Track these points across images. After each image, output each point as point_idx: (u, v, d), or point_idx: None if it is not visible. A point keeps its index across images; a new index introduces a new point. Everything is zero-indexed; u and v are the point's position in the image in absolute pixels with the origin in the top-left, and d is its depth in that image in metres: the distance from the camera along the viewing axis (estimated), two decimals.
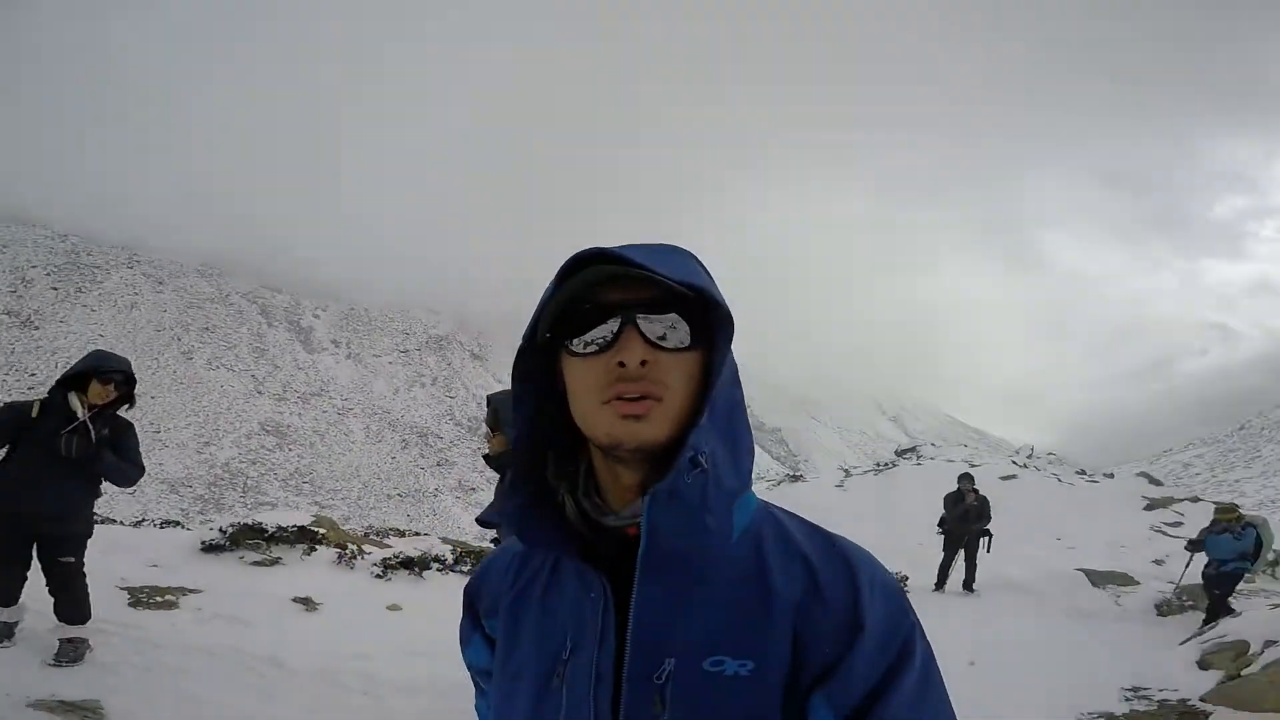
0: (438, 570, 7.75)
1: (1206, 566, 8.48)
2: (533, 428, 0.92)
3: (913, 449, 20.82)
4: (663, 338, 0.81)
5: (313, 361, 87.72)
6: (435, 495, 73.92)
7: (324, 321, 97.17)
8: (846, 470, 20.02)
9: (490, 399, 3.53)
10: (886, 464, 19.50)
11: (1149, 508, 17.63)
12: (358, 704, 3.98)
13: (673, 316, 0.81)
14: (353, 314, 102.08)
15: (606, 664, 0.81)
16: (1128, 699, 5.85)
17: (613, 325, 0.81)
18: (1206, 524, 8.87)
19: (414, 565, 7.66)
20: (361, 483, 70.29)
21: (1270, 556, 12.40)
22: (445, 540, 10.01)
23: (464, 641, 1.08)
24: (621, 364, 0.79)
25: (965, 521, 10.53)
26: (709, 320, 0.84)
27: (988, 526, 10.56)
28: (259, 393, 77.04)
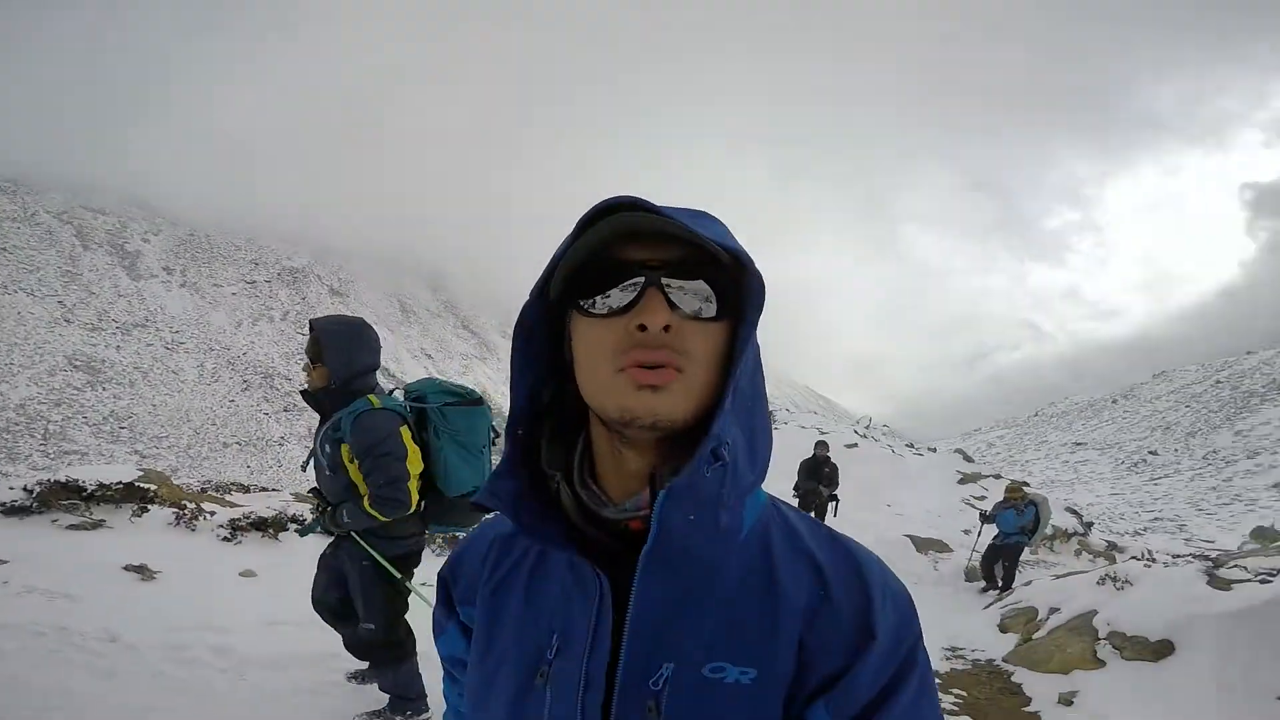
0: (295, 532, 7.26)
1: (994, 538, 9.76)
2: (534, 399, 0.83)
3: (769, 414, 22.22)
4: (689, 304, 0.74)
5: (137, 289, 77.69)
6: (281, 444, 68.70)
7: (155, 246, 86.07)
8: None
9: (313, 324, 3.12)
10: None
11: (962, 481, 19.91)
12: (216, 682, 3.69)
13: (700, 283, 0.74)
14: (192, 240, 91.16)
15: (598, 668, 0.75)
16: (947, 658, 6.68)
17: (635, 285, 0.73)
18: (1000, 499, 10.18)
19: (268, 526, 7.10)
20: (192, 429, 63.70)
21: (1048, 531, 14.55)
22: (300, 497, 9.41)
23: (437, 630, 0.99)
24: (642, 327, 0.72)
25: (818, 484, 11.30)
26: (737, 291, 0.76)
27: (835, 492, 11.45)
28: (67, 321, 67.24)
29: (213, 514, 7.23)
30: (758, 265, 0.76)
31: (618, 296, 0.74)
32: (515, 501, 0.80)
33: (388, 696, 3.40)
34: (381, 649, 3.28)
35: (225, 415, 69.50)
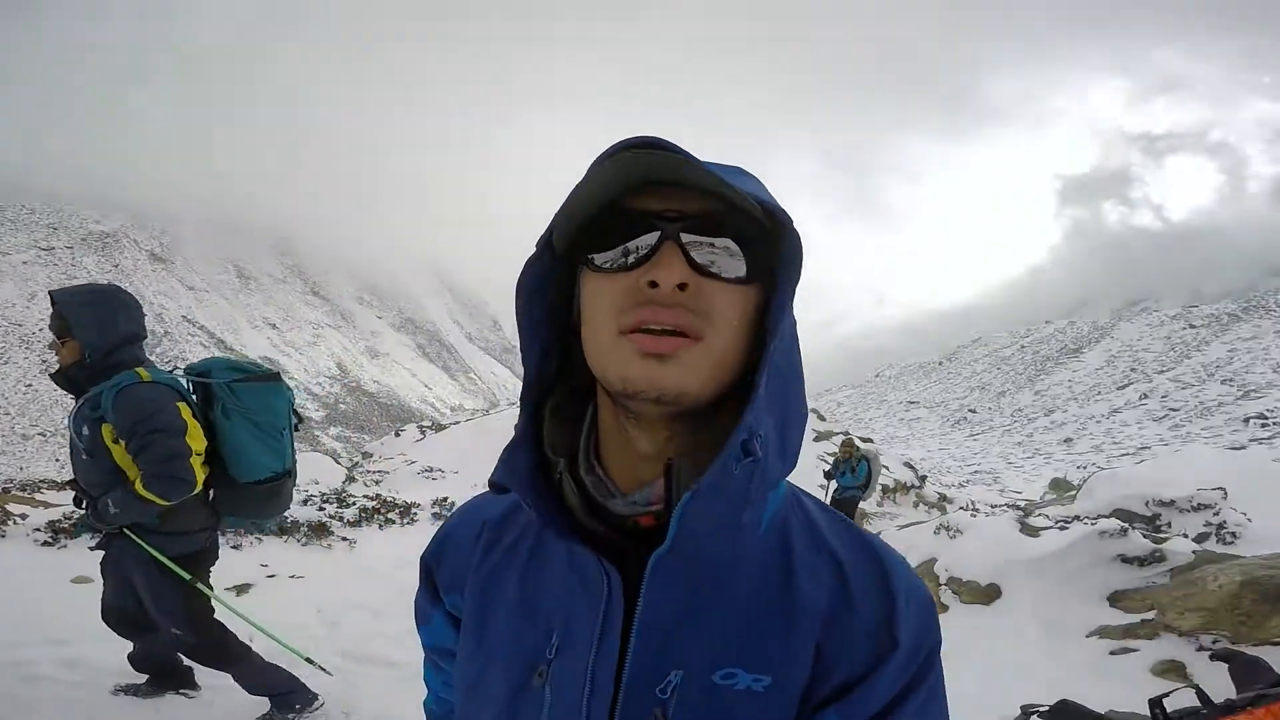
0: (78, 537, 6.53)
1: (835, 492, 10.63)
2: (546, 365, 0.74)
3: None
4: (711, 262, 0.64)
5: None
6: None
7: None
8: None
9: (54, 296, 2.69)
10: None
11: (817, 439, 21.51)
12: (71, 696, 3.30)
13: (727, 240, 0.65)
14: None
15: (605, 671, 0.67)
16: None
17: (649, 238, 0.64)
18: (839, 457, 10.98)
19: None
20: None
21: (887, 484, 16.09)
22: None
23: (421, 618, 0.91)
24: (653, 284, 0.62)
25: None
26: (772, 253, 0.67)
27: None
28: None
29: (24, 517, 6.32)
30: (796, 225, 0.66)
31: (630, 250, 0.65)
32: (534, 480, 0.72)
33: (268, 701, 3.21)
34: (205, 653, 3.03)
35: (22, 402, 60.42)
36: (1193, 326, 54.20)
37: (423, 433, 19.28)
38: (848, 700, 0.68)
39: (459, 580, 0.82)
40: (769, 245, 0.67)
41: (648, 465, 0.69)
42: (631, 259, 0.64)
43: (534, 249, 0.71)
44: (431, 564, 0.87)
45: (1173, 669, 4.30)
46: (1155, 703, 1.74)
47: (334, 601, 5.48)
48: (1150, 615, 4.84)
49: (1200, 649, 4.39)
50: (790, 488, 0.78)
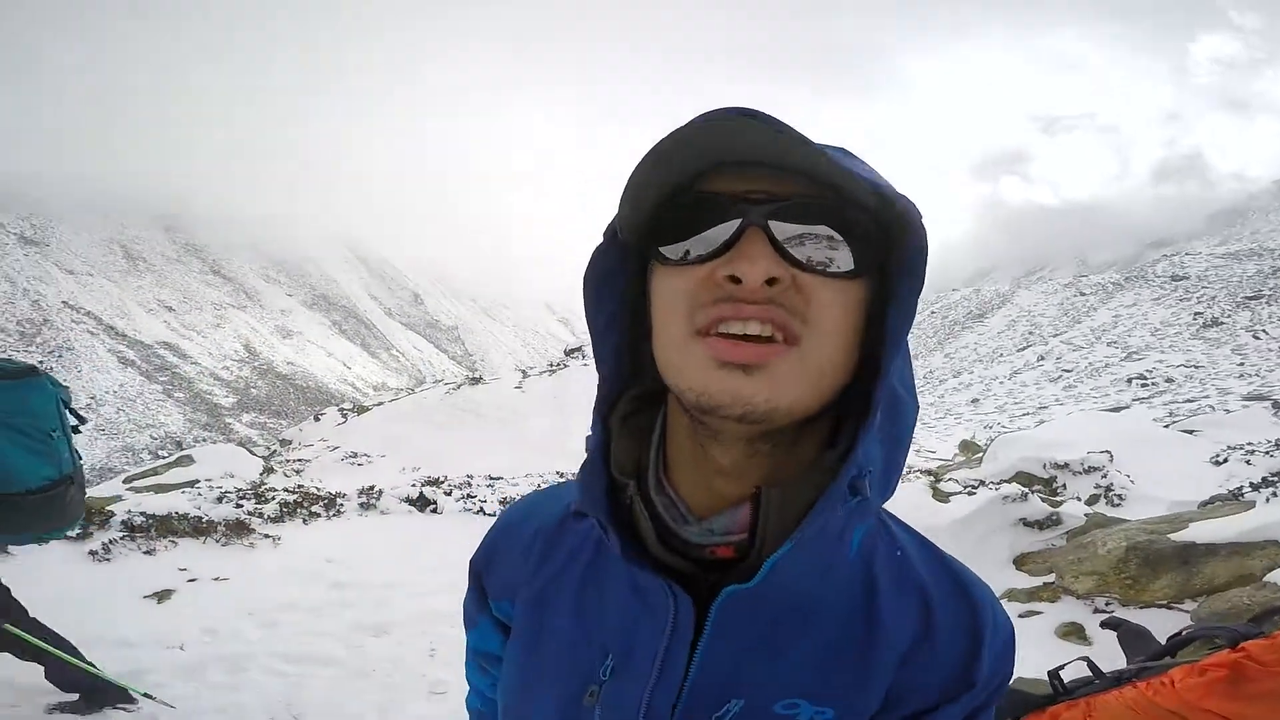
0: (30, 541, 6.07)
1: None
2: (620, 367, 0.67)
3: (579, 349, 22.34)
4: (808, 255, 0.55)
5: None
6: None
7: None
8: (524, 371, 20.75)
9: None
10: (558, 364, 20.71)
11: None
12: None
13: (824, 228, 0.55)
14: None
15: (663, 698, 0.63)
16: None
17: (730, 225, 0.55)
18: None
19: None
20: None
21: None
22: None
23: (469, 622, 0.87)
24: (735, 278, 0.53)
25: None
26: (885, 246, 0.58)
27: None
28: None
29: None
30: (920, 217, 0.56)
31: (707, 238, 0.55)
32: (609, 502, 0.65)
33: None
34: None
35: None
36: (1082, 294, 58.44)
37: (344, 415, 18.48)
38: None
39: (510, 589, 0.78)
40: (880, 238, 0.57)
41: (726, 483, 0.61)
42: (709, 250, 0.55)
43: (601, 239, 0.62)
44: (481, 569, 0.83)
45: (1074, 631, 4.70)
46: (1053, 674, 1.79)
47: (266, 603, 5.30)
48: (1050, 578, 5.27)
49: (1095, 611, 4.81)
50: (880, 514, 0.70)
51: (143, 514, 6.73)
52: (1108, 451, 8.79)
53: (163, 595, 5.32)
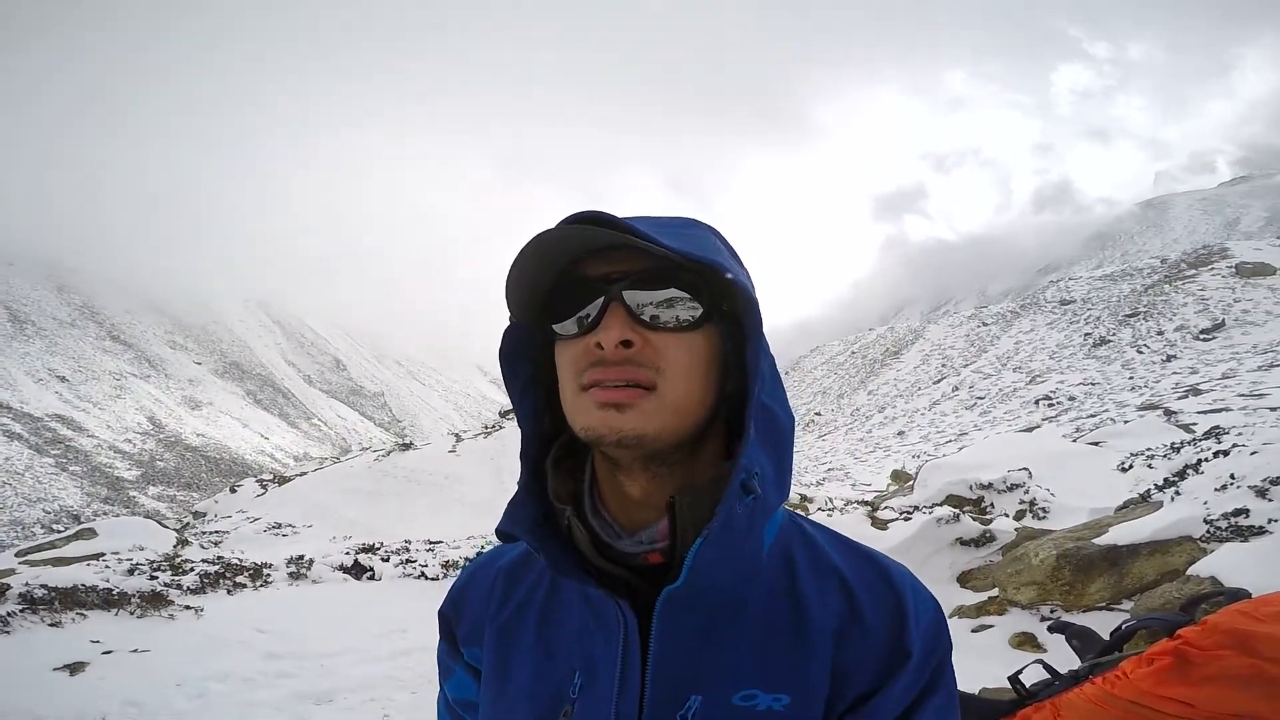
0: None
1: None
2: (538, 425, 0.80)
3: (513, 410, 22.18)
4: (655, 316, 0.70)
5: None
6: None
7: None
8: (458, 435, 20.19)
9: None
10: (493, 425, 20.29)
11: None
12: None
13: (671, 291, 0.70)
14: None
15: (628, 705, 0.71)
16: None
17: (597, 303, 0.70)
18: None
19: None
20: None
21: None
22: None
23: (444, 673, 0.91)
24: (600, 345, 0.68)
25: None
26: (719, 298, 0.72)
27: None
28: None
29: None
30: (745, 275, 0.73)
31: (582, 317, 0.71)
32: (538, 529, 0.76)
33: None
34: None
35: None
36: (985, 324, 62.06)
37: (264, 487, 17.58)
38: (863, 711, 0.72)
39: (477, 632, 0.84)
40: (717, 290, 0.72)
41: (643, 508, 0.74)
42: (584, 324, 0.70)
43: (509, 319, 0.76)
44: (450, 617, 0.88)
45: (1026, 640, 4.87)
46: (1014, 679, 1.87)
47: (194, 673, 4.93)
48: (994, 593, 5.47)
49: (1043, 619, 5.01)
50: (788, 513, 0.81)
51: (44, 586, 6.19)
52: (1026, 469, 9.28)
53: (75, 667, 4.89)
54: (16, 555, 9.22)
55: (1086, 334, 48.07)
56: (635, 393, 0.68)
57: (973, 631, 5.14)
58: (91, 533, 10.94)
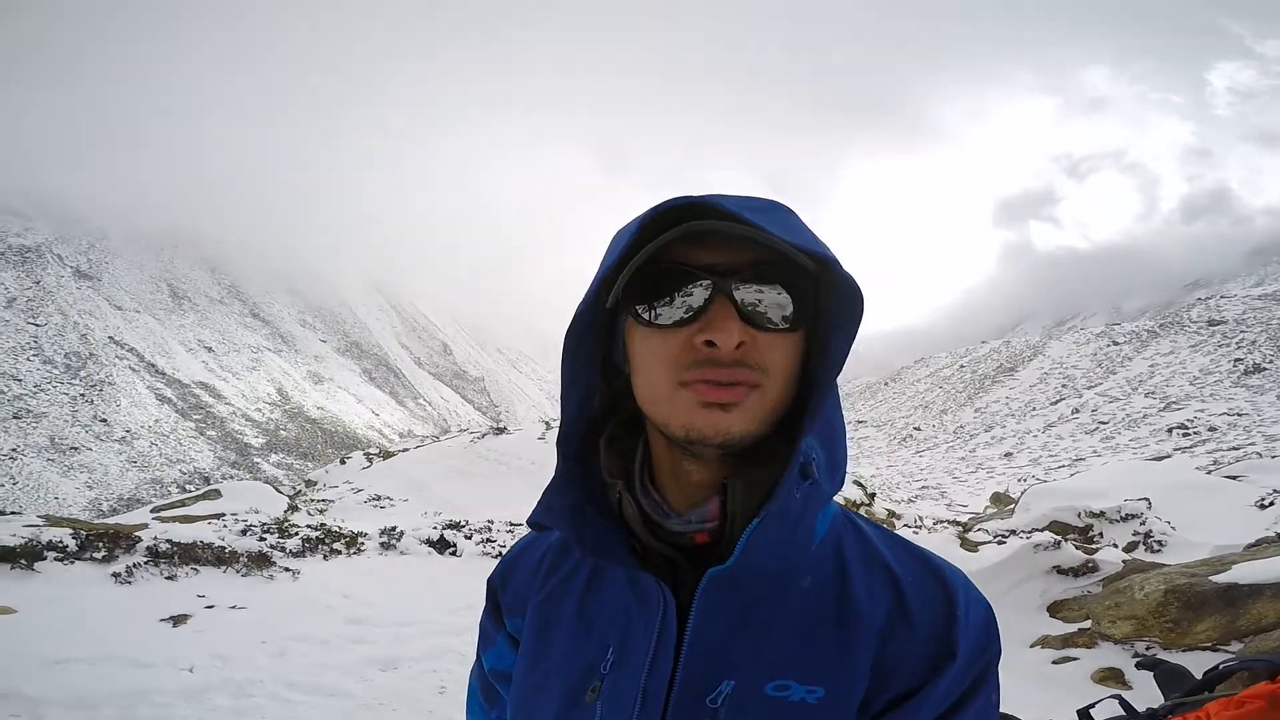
0: (58, 560, 6.18)
1: None
2: (586, 408, 0.78)
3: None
4: (762, 314, 0.67)
5: None
6: (14, 458, 57.12)
7: None
8: (547, 423, 20.83)
9: None
10: None
11: None
12: None
13: (778, 288, 0.67)
14: None
15: (658, 686, 0.69)
16: None
17: (701, 293, 0.67)
18: None
19: (18, 557, 6.04)
20: None
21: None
22: (53, 520, 7.96)
23: (485, 642, 0.92)
24: (711, 343, 0.65)
25: None
26: (820, 295, 0.71)
27: None
28: None
29: None
30: (847, 268, 0.69)
31: (682, 305, 0.67)
32: (575, 517, 0.76)
33: None
34: None
35: None
36: (1116, 343, 57.18)
37: (370, 460, 18.75)
38: (903, 709, 0.69)
39: (521, 603, 0.85)
40: (818, 288, 0.70)
41: (701, 490, 0.72)
42: (685, 314, 0.67)
43: (582, 301, 0.74)
44: (497, 585, 0.90)
45: (1111, 676, 4.47)
46: (1083, 713, 1.74)
47: (280, 632, 5.31)
48: (1086, 624, 5.03)
49: (1135, 655, 4.58)
50: (842, 509, 0.80)
51: (168, 541, 6.85)
52: (1146, 499, 8.48)
53: (179, 619, 5.37)
54: (151, 511, 10.28)
55: (1237, 359, 43.36)
56: (741, 391, 0.66)
57: (1054, 662, 4.76)
58: (217, 494, 12.06)
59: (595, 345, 0.76)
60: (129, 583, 6.05)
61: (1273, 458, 16.30)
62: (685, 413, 0.66)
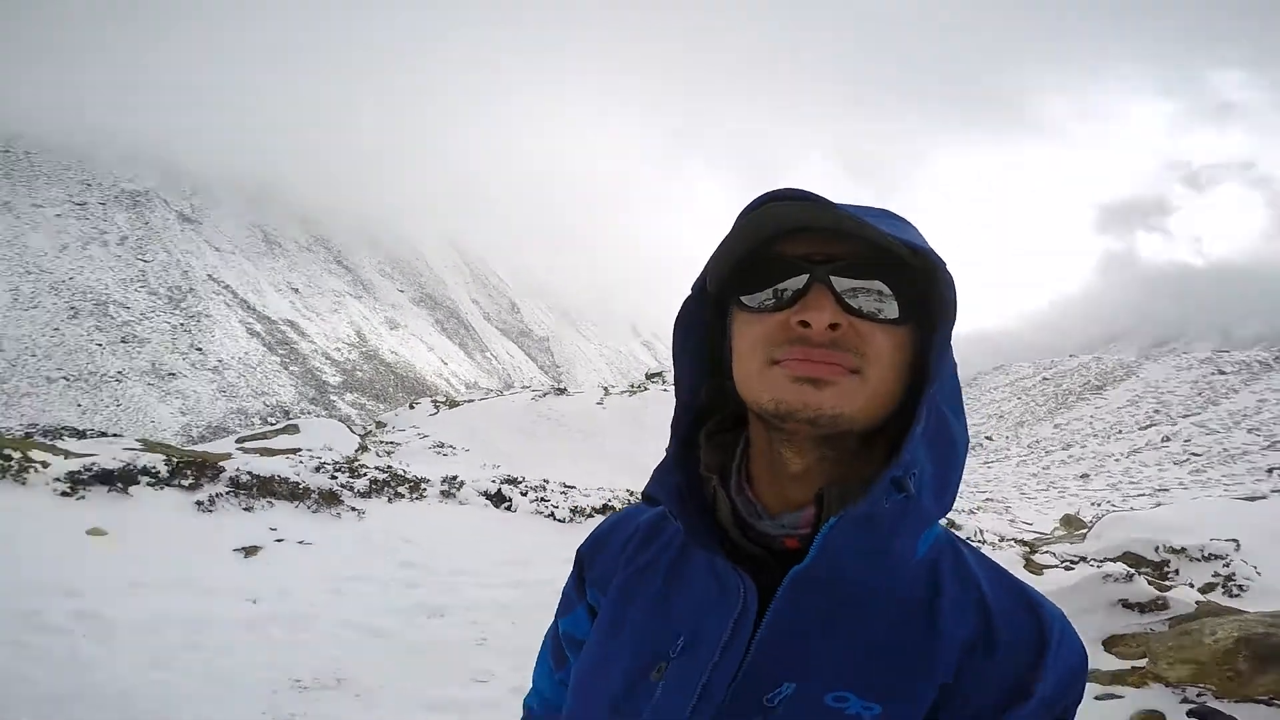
0: (149, 485, 6.67)
1: None
2: (693, 397, 0.80)
3: (659, 373, 22.50)
4: (861, 305, 0.67)
5: None
6: (119, 381, 61.96)
7: None
8: (606, 389, 21.09)
9: None
10: (639, 385, 20.93)
11: None
12: (82, 650, 3.39)
13: (876, 282, 0.68)
14: (6, 156, 79.74)
15: (722, 676, 0.70)
16: None
17: (799, 280, 0.68)
18: None
19: (115, 480, 6.51)
20: (6, 360, 56.09)
21: None
22: (150, 444, 8.61)
23: (565, 608, 0.94)
24: (804, 323, 0.66)
25: None
26: (925, 296, 0.70)
27: None
28: None
29: (45, 465, 6.48)
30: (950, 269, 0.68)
31: (779, 290, 0.69)
32: (679, 497, 0.77)
33: None
34: None
35: (49, 345, 61.76)
36: (1222, 373, 53.10)
37: (436, 407, 19.40)
38: None
39: (606, 577, 0.87)
40: (920, 288, 0.69)
41: (797, 486, 0.72)
42: (782, 299, 0.69)
43: (690, 291, 0.77)
44: (585, 557, 0.92)
45: (1152, 718, 4.23)
46: None
47: (340, 571, 5.57)
48: (1141, 662, 4.77)
49: (1184, 701, 4.33)
50: (949, 534, 0.78)
51: (250, 473, 7.28)
52: (1235, 540, 7.93)
53: (250, 550, 5.72)
54: (236, 442, 10.93)
55: None
56: (836, 370, 0.66)
57: (1096, 698, 4.53)
58: (295, 429, 12.72)
59: (703, 338, 0.79)
60: (210, 511, 6.45)
61: None
62: (775, 387, 0.67)
